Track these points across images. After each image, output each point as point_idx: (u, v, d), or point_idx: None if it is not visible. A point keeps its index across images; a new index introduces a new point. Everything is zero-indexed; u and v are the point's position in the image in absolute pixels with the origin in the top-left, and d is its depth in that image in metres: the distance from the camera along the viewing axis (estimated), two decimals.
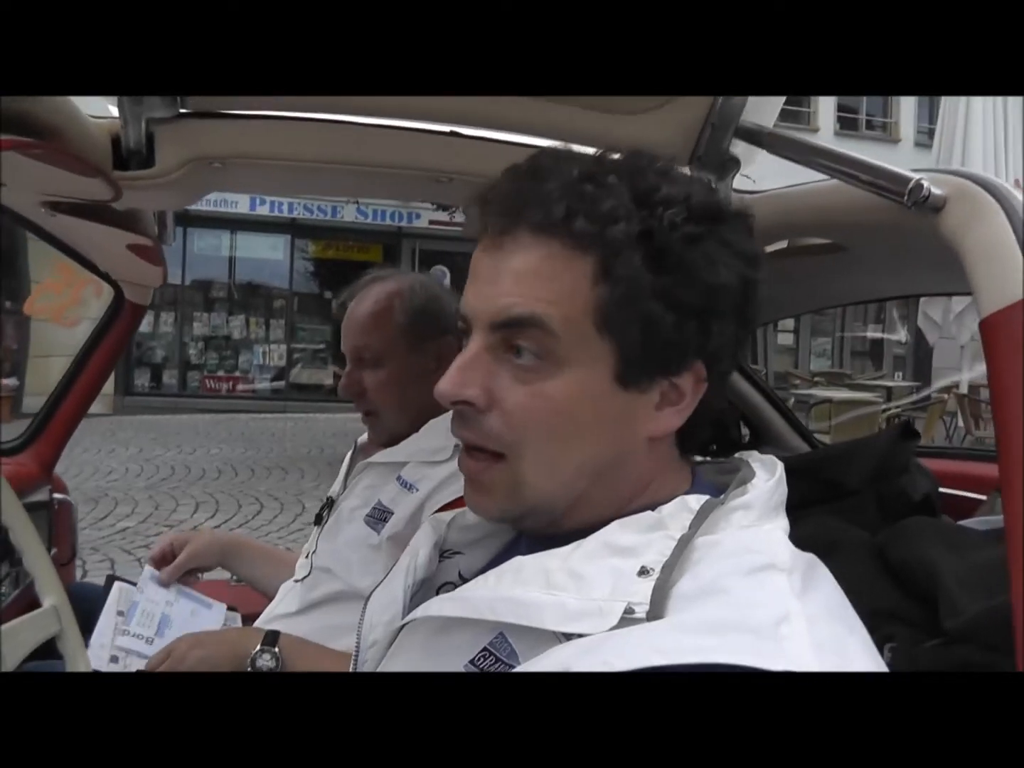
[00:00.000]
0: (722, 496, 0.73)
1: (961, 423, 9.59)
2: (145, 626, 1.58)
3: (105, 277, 1.91)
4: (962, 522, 1.51)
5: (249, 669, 1.27)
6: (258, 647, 1.29)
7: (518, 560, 0.74)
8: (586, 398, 0.72)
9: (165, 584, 1.64)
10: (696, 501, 0.72)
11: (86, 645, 1.53)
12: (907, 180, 0.94)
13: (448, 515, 0.93)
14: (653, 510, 0.73)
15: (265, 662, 1.28)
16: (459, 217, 11.56)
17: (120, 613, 1.62)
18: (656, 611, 0.62)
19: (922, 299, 9.26)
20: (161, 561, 1.68)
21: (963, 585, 1.09)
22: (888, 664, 0.64)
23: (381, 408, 1.55)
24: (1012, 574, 0.77)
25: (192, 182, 1.19)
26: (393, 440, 1.56)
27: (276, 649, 1.29)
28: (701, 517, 0.69)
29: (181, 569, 1.66)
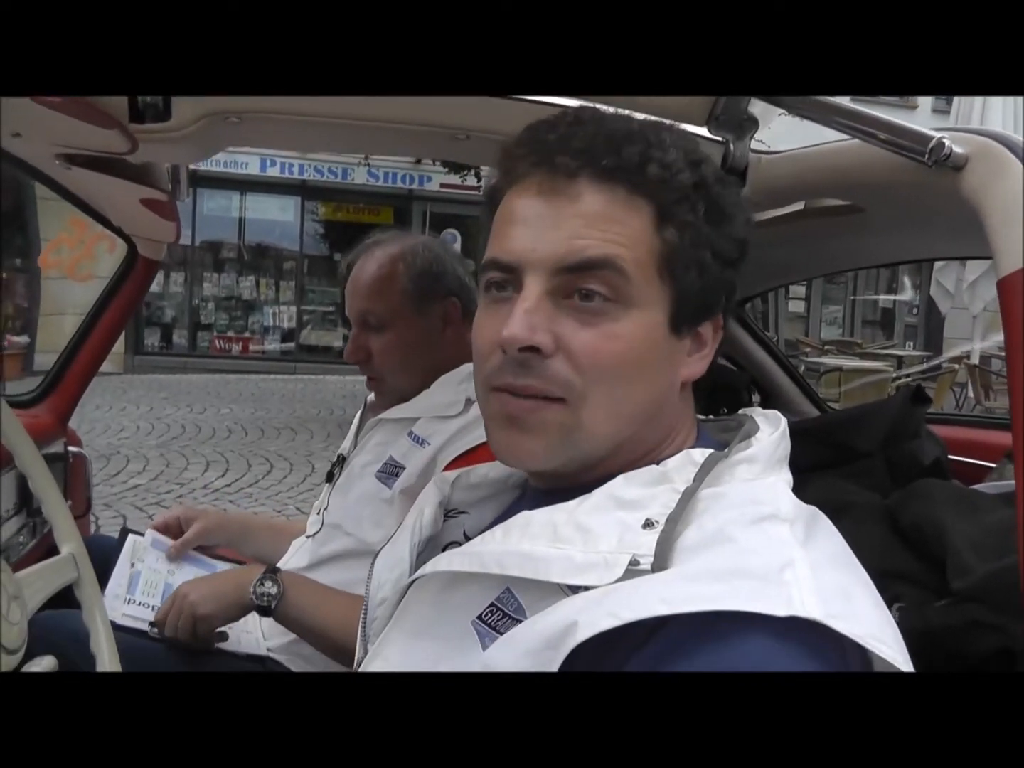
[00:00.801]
0: (726, 450, 0.74)
1: (971, 393, 9.55)
2: (150, 595, 1.59)
3: (118, 232, 1.90)
4: (972, 487, 1.51)
5: (252, 597, 1.30)
6: (260, 575, 1.32)
7: (525, 515, 0.74)
8: (649, 340, 0.73)
9: (173, 559, 1.65)
10: (700, 455, 0.73)
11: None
12: (928, 138, 0.94)
13: (452, 474, 0.94)
14: (657, 464, 0.74)
15: (267, 588, 1.30)
16: (471, 181, 11.48)
17: (134, 565, 1.64)
18: (660, 563, 0.63)
19: (935, 268, 9.20)
20: (165, 530, 1.69)
21: (972, 546, 1.09)
22: (896, 622, 0.65)
23: (386, 372, 1.56)
24: (1022, 534, 0.77)
25: (208, 136, 1.19)
26: (401, 402, 1.56)
27: (277, 578, 1.32)
28: (705, 470, 0.71)
29: (189, 546, 1.67)
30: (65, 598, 1.14)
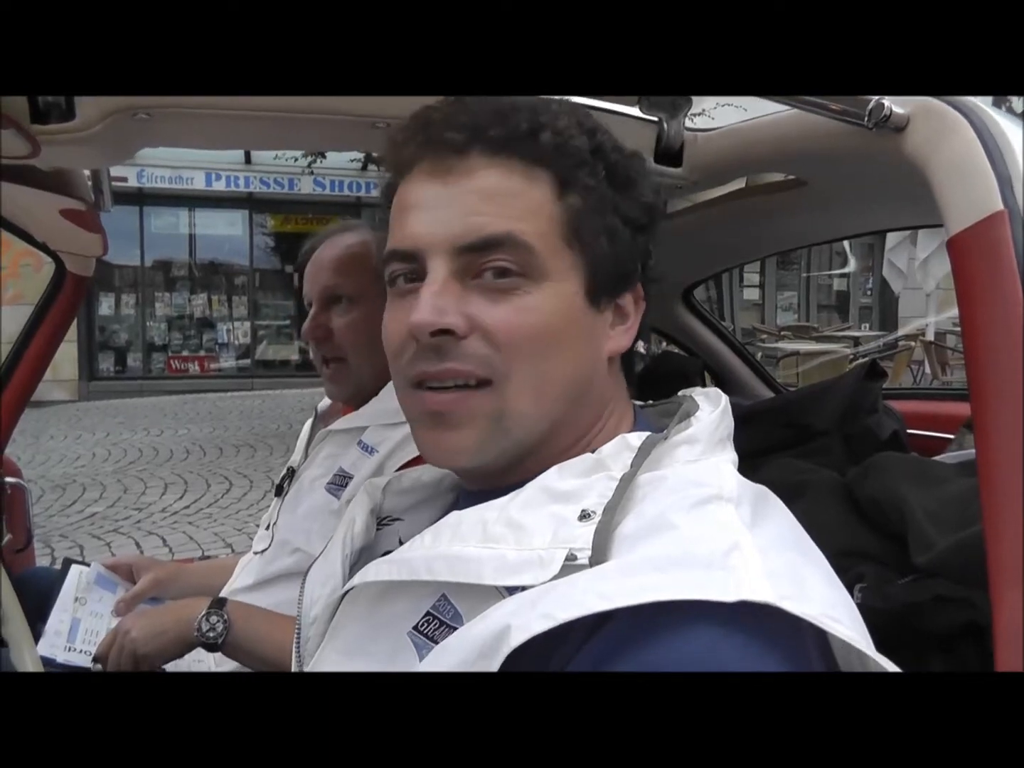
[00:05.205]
0: (664, 432, 0.71)
1: (928, 370, 9.68)
2: (91, 643, 1.50)
3: (43, 248, 1.82)
4: (933, 459, 1.49)
5: (196, 634, 1.24)
6: (204, 610, 1.26)
7: (455, 515, 0.71)
8: (566, 312, 0.70)
9: (120, 614, 1.54)
10: (637, 438, 0.70)
11: (41, 632, 1.48)
12: (866, 101, 0.91)
13: (383, 480, 0.90)
14: (592, 452, 0.71)
15: (213, 624, 1.25)
16: None
17: (78, 600, 1.56)
18: (599, 555, 0.59)
19: (887, 248, 9.32)
20: (113, 569, 1.63)
21: (933, 519, 1.06)
22: (859, 604, 0.62)
23: (350, 351, 1.49)
24: (984, 503, 0.74)
25: (118, 135, 1.12)
26: (359, 393, 1.51)
27: (223, 611, 1.27)
28: (643, 454, 0.67)
29: (139, 600, 1.59)
30: None
